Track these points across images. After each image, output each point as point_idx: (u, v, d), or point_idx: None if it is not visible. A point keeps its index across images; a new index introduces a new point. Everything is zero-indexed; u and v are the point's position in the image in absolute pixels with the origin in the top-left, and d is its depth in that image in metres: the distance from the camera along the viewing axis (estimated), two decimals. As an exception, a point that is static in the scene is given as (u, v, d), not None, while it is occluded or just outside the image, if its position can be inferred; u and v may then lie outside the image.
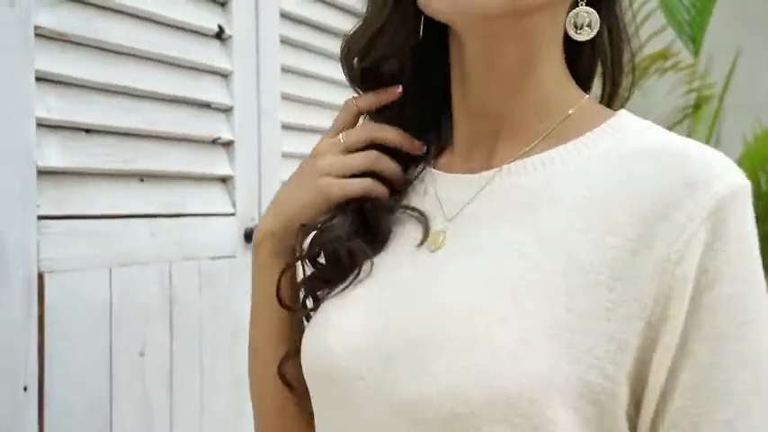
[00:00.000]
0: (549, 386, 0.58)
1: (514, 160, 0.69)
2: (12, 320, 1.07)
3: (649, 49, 2.44)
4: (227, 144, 1.48)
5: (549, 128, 0.69)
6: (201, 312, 1.40)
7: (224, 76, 1.48)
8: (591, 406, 0.59)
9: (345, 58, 0.75)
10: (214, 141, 1.45)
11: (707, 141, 2.40)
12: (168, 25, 1.35)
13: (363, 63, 0.73)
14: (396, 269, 0.70)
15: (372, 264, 0.72)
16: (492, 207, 0.68)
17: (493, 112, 0.71)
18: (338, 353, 0.67)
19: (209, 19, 1.44)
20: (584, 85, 0.73)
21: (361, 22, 0.73)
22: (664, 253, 0.60)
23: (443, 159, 0.76)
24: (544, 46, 0.69)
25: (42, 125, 1.12)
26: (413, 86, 0.75)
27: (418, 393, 0.62)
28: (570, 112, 0.69)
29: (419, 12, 0.68)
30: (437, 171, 0.75)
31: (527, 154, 0.69)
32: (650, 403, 0.61)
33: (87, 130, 1.19)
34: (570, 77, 0.71)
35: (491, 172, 0.70)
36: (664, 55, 2.26)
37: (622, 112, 0.70)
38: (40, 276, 1.11)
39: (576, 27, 0.70)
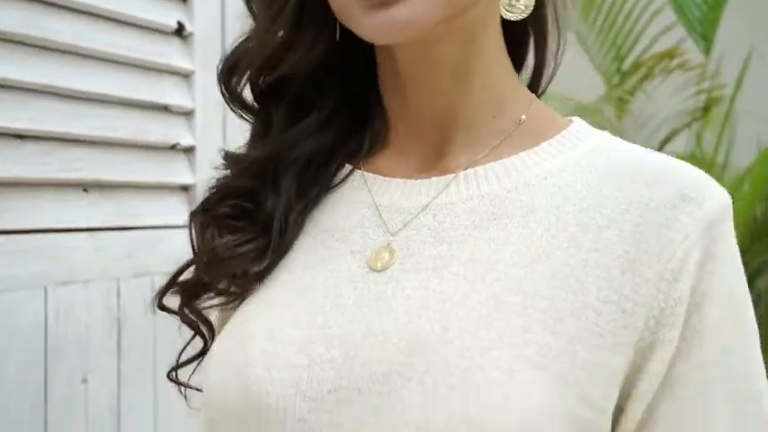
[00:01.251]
0: (541, 426, 0.52)
1: (472, 166, 0.62)
2: None
3: (657, 48, 2.32)
4: (188, 150, 1.38)
5: (505, 130, 0.63)
6: (155, 334, 1.29)
7: (185, 76, 1.38)
8: None
9: (238, 73, 0.66)
10: (173, 147, 1.35)
11: (717, 146, 2.28)
12: (121, 22, 1.25)
13: (268, 80, 0.65)
14: (332, 289, 0.61)
15: (294, 280, 0.63)
16: (452, 218, 0.61)
17: (437, 114, 0.64)
18: (268, 388, 0.58)
19: (167, 15, 1.34)
20: (517, 68, 0.68)
21: (256, 31, 0.64)
22: (657, 271, 0.56)
23: (377, 161, 0.67)
24: (485, 36, 0.63)
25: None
26: (331, 96, 0.67)
27: None
28: (523, 117, 0.64)
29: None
30: (371, 174, 0.66)
31: (483, 160, 0.62)
32: None
33: (21, 137, 1.09)
34: (512, 68, 0.66)
35: (445, 178, 0.62)
36: (671, 54, 2.14)
37: (575, 119, 0.65)
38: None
39: (508, 7, 0.63)
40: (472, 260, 0.58)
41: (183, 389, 0.70)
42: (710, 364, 0.56)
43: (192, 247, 0.68)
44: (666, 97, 2.23)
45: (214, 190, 0.69)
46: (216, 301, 0.67)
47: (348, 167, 0.67)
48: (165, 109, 1.34)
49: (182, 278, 0.69)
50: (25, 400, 1.09)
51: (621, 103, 2.20)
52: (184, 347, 0.70)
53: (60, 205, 1.15)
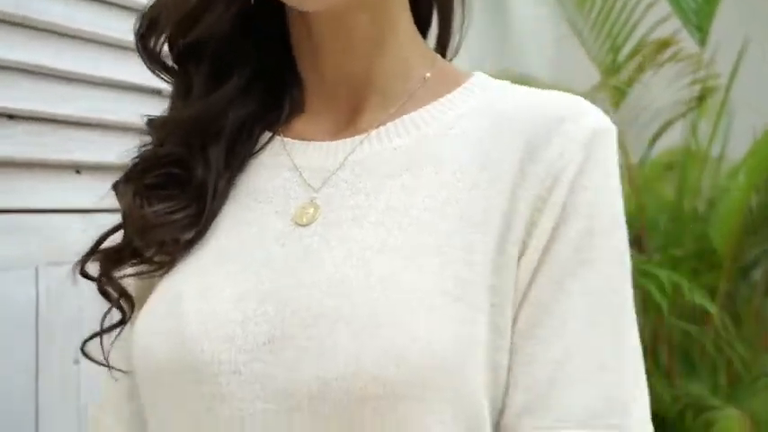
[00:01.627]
0: (462, 351, 0.57)
1: (380, 125, 0.66)
2: None
3: (652, 39, 2.32)
4: (181, 134, 1.38)
5: (412, 88, 0.67)
6: (148, 317, 1.29)
7: (178, 60, 1.38)
8: (497, 366, 0.59)
9: (155, 33, 0.67)
10: (166, 131, 1.35)
11: (712, 136, 2.28)
12: (114, 4, 1.25)
13: (186, 39, 0.66)
14: (260, 248, 0.63)
15: (220, 243, 0.65)
16: (367, 173, 0.65)
17: (352, 79, 0.67)
18: (202, 346, 0.60)
19: (160, -2, 1.34)
20: (422, 33, 0.72)
21: None
22: (537, 191, 0.61)
23: (295, 127, 0.70)
24: (395, 4, 0.66)
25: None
26: (249, 63, 0.69)
27: (318, 378, 0.56)
28: (428, 75, 0.68)
29: None
30: (289, 139, 0.69)
31: (392, 117, 0.66)
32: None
33: (11, 116, 1.09)
34: (418, 32, 0.70)
35: (359, 137, 0.66)
36: (667, 43, 2.13)
37: (477, 73, 0.69)
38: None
39: None
40: (388, 208, 0.62)
41: (105, 359, 0.70)
42: (568, 275, 0.60)
43: (123, 215, 0.68)
44: (662, 88, 2.23)
45: (139, 159, 0.70)
46: (141, 268, 0.67)
47: (268, 134, 0.70)
48: (158, 93, 1.34)
49: (105, 246, 0.69)
50: (17, 381, 1.08)
51: (617, 94, 2.20)
52: (104, 317, 0.69)
53: (53, 186, 1.15)
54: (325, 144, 0.67)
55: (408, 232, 0.61)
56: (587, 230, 0.60)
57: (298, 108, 0.70)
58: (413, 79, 0.67)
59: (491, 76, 0.69)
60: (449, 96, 0.67)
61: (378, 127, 0.66)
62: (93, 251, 0.69)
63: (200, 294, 0.62)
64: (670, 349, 2.21)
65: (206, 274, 0.64)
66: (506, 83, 0.68)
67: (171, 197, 0.67)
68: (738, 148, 2.33)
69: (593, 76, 2.35)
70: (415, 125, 0.66)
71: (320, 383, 0.56)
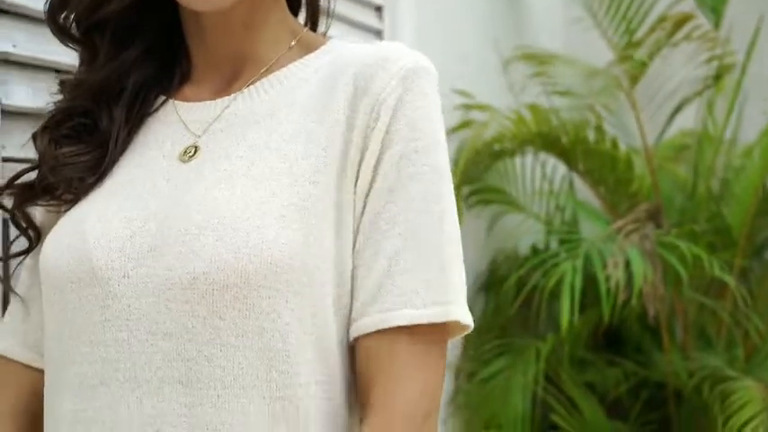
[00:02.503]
0: (304, 253, 0.72)
1: (250, 84, 0.80)
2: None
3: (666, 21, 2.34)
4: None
5: (277, 56, 0.81)
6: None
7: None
8: (341, 266, 0.74)
9: (66, 12, 0.81)
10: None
11: (728, 114, 2.31)
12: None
13: (93, 17, 0.80)
14: (149, 182, 0.78)
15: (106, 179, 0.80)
16: (239, 121, 0.79)
17: (231, 53, 0.82)
18: (98, 256, 0.74)
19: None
20: (294, 11, 0.87)
21: None
22: (365, 121, 0.75)
23: (184, 92, 0.84)
24: None
25: (8, 61, 1.05)
26: (146, 37, 0.83)
27: (189, 273, 0.71)
28: (293, 43, 0.83)
29: None
30: (179, 102, 0.83)
31: (259, 78, 0.81)
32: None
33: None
34: (289, 12, 0.85)
35: (233, 95, 0.81)
36: (684, 19, 2.16)
37: (333, 39, 0.84)
38: (5, 222, 1.04)
39: None
40: (252, 145, 0.77)
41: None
42: (395, 188, 0.74)
43: (39, 157, 0.83)
44: (677, 66, 2.26)
45: (55, 112, 0.84)
46: (50, 202, 0.81)
47: (162, 98, 0.84)
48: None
49: (20, 182, 0.83)
50: None
51: (633, 73, 2.23)
52: (11, 243, 0.87)
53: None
54: (208, 102, 0.81)
55: (266, 161, 0.75)
56: (410, 150, 0.74)
57: (186, 76, 0.85)
58: (279, 48, 0.82)
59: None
60: (307, 57, 0.81)
61: (249, 86, 0.80)
62: (9, 185, 0.83)
63: (97, 218, 0.77)
64: (686, 323, 2.24)
65: (103, 204, 0.78)
66: (353, 43, 0.82)
67: (80, 143, 0.82)
68: (753, 128, 2.35)
69: (606, 55, 2.38)
70: (278, 81, 0.80)
71: (190, 277, 0.71)
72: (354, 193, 0.74)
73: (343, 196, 0.74)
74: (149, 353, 0.72)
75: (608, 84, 2.21)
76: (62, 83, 0.86)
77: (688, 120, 2.42)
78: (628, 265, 1.82)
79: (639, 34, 2.31)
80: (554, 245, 2.39)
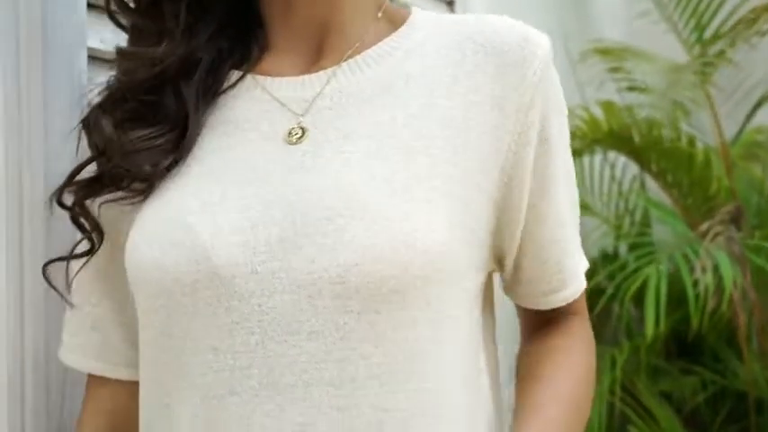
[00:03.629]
0: (452, 239, 0.68)
1: (348, 58, 0.74)
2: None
3: (740, 15, 2.25)
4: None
5: (367, 29, 0.76)
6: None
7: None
8: (474, 251, 0.71)
9: None
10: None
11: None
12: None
13: None
14: (252, 166, 0.70)
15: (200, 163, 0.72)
16: (346, 98, 0.72)
17: (315, 23, 0.75)
18: (217, 252, 0.66)
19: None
20: None
21: None
22: (517, 103, 0.71)
23: (263, 65, 0.77)
24: None
25: (95, 58, 1.00)
26: (218, 8, 0.76)
27: (339, 266, 0.64)
28: (379, 15, 0.77)
29: None
30: (260, 76, 0.76)
31: (357, 51, 0.75)
32: (514, 231, 0.74)
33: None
34: None
35: (331, 70, 0.74)
36: (764, 10, 2.07)
37: (414, 8, 0.79)
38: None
39: None
40: (374, 123, 0.70)
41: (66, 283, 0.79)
42: (549, 176, 0.74)
43: (95, 146, 0.74)
44: (759, 60, 2.16)
45: (110, 91, 0.75)
46: (118, 195, 0.73)
47: (237, 73, 0.76)
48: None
49: (80, 177, 0.75)
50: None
51: (707, 70, 2.14)
52: (75, 246, 0.78)
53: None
54: (300, 78, 0.74)
55: (397, 140, 0.70)
56: (557, 136, 0.75)
57: (263, 49, 0.78)
58: (366, 20, 0.76)
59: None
60: (402, 29, 0.76)
61: (347, 60, 0.74)
62: (69, 182, 0.75)
63: (202, 210, 0.68)
64: (764, 331, 2.15)
65: (201, 192, 0.70)
66: (439, 14, 0.79)
67: (148, 125, 0.73)
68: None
69: (674, 50, 2.28)
70: (378, 55, 0.75)
71: (341, 270, 0.64)
72: (501, 175, 0.72)
73: (484, 178, 0.71)
74: (291, 355, 0.65)
75: (684, 79, 2.12)
76: (120, 52, 0.77)
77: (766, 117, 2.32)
78: (714, 270, 1.73)
79: (714, 27, 2.22)
80: (623, 249, 2.31)
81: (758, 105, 2.23)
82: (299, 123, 0.72)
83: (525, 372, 0.78)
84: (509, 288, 0.80)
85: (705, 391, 2.15)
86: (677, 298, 2.13)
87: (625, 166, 2.37)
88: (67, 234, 0.92)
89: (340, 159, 0.69)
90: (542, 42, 0.74)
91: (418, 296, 0.66)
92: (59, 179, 0.94)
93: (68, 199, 0.77)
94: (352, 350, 0.65)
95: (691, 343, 2.29)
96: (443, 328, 0.69)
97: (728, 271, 1.69)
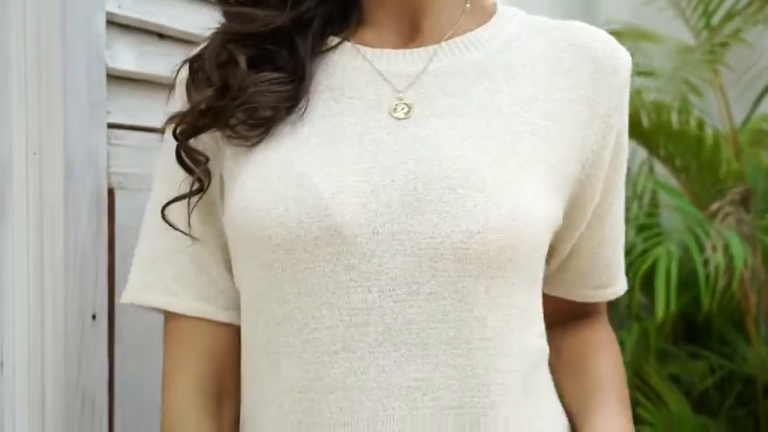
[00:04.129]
0: (551, 215, 0.74)
1: (448, 39, 0.78)
2: (79, 241, 0.95)
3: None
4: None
5: (458, 12, 0.79)
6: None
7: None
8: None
9: None
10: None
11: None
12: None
13: None
14: (366, 134, 0.72)
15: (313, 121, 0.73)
16: (450, 78, 0.75)
17: (411, 2, 0.77)
18: (340, 211, 0.68)
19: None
20: None
21: None
22: (606, 108, 0.78)
23: (361, 35, 0.79)
24: None
25: (113, 23, 1.00)
26: None
27: (462, 232, 0.68)
28: (467, 6, 0.80)
29: None
30: (360, 45, 0.78)
31: (454, 34, 0.78)
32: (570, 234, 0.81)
33: (160, 35, 1.07)
34: None
35: (431, 48, 0.77)
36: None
37: (498, 4, 0.83)
38: (111, 192, 0.99)
39: None
40: (480, 105, 0.74)
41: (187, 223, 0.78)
42: (615, 180, 0.81)
43: (220, 79, 0.74)
44: (766, 45, 2.16)
45: (231, 32, 0.75)
46: (229, 133, 0.74)
47: (336, 39, 0.78)
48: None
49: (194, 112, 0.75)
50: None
51: (717, 50, 2.13)
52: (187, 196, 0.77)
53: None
54: (399, 52, 0.77)
55: (504, 123, 0.74)
56: (624, 143, 0.82)
57: (361, 20, 0.79)
58: (456, 8, 0.79)
59: None
60: (494, 20, 0.80)
61: (446, 40, 0.77)
62: (190, 112, 0.75)
63: (322, 170, 0.70)
64: (773, 315, 2.14)
65: (320, 150, 0.72)
66: (520, 10, 0.82)
67: (273, 71, 0.74)
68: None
69: (679, 32, 2.28)
70: (477, 41, 0.78)
71: (463, 237, 0.68)
72: (580, 171, 0.77)
73: (568, 170, 0.76)
74: (409, 315, 0.68)
75: (693, 59, 2.11)
76: (235, 13, 0.77)
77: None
78: (725, 250, 1.73)
79: (724, 9, 2.21)
80: (630, 233, 2.31)
81: (766, 90, 2.23)
82: (401, 99, 0.74)
83: (579, 359, 0.86)
84: (553, 276, 0.85)
85: (713, 375, 2.15)
86: (686, 281, 2.13)
87: (634, 151, 2.36)
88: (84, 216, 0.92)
89: (453, 135, 0.72)
90: (628, 58, 0.80)
91: (527, 266, 0.72)
92: (77, 139, 0.95)
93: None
94: (469, 312, 0.69)
95: (699, 327, 2.29)
96: (538, 296, 0.77)
97: (739, 250, 1.68)
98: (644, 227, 2.19)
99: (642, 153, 2.34)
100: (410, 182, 0.69)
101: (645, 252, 1.90)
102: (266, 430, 0.73)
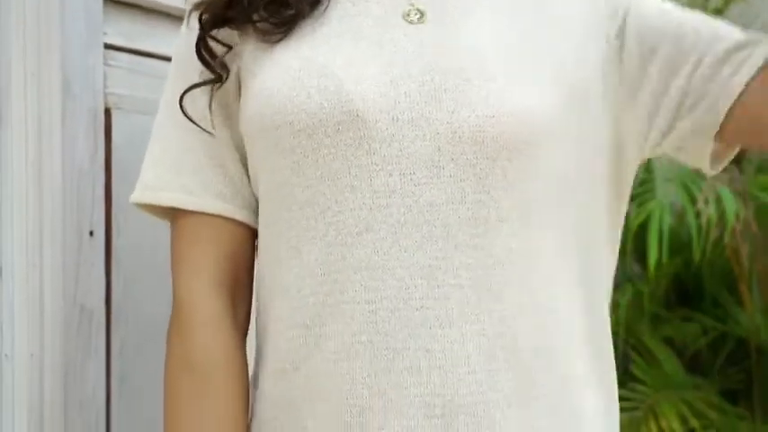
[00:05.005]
0: (560, 104, 0.74)
1: None
2: (77, 159, 0.96)
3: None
4: None
5: None
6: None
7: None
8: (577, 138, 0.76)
9: None
10: None
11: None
12: None
13: None
14: (383, 33, 0.74)
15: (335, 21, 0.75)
16: None
17: None
18: (362, 97, 0.71)
19: None
20: None
21: None
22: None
23: None
24: None
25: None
26: None
27: (479, 117, 0.70)
28: None
29: None
30: None
31: None
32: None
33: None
34: None
35: None
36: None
37: None
38: (108, 112, 1.00)
39: None
40: (493, 9, 0.76)
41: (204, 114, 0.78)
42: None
43: None
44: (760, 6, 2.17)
45: None
46: (250, 27, 0.75)
47: None
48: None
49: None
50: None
51: (715, 12, 2.14)
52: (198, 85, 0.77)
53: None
54: None
55: (515, 21, 0.76)
56: None
57: None
58: None
59: None
60: None
61: None
62: (217, 1, 0.75)
63: (344, 61, 0.72)
64: (764, 277, 2.16)
65: (341, 47, 0.74)
66: None
67: None
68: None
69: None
70: None
71: (480, 121, 0.70)
72: (608, 45, 0.77)
73: (588, 55, 0.77)
74: (429, 197, 0.70)
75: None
76: None
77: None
78: (717, 203, 1.75)
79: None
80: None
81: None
82: (412, 4, 0.76)
83: None
84: (682, 116, 0.78)
85: (706, 336, 2.17)
86: (678, 246, 2.15)
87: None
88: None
89: (466, 32, 0.74)
90: None
91: (543, 151, 0.72)
92: (75, 58, 0.96)
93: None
94: (486, 193, 0.71)
95: (692, 293, 2.31)
96: (562, 188, 0.75)
97: (731, 203, 1.70)
98: (638, 196, 2.21)
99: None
100: (427, 74, 0.72)
101: (639, 207, 1.91)
102: (284, 317, 0.74)
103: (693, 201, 1.79)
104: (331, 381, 0.72)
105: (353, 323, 0.71)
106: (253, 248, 0.82)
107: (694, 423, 1.89)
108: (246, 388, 0.79)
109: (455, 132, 0.70)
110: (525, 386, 0.72)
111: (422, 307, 0.70)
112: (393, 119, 0.70)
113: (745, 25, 0.81)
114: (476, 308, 0.71)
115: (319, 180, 0.72)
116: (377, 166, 0.70)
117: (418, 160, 0.70)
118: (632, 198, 2.23)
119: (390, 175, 0.70)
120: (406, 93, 0.71)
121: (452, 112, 0.70)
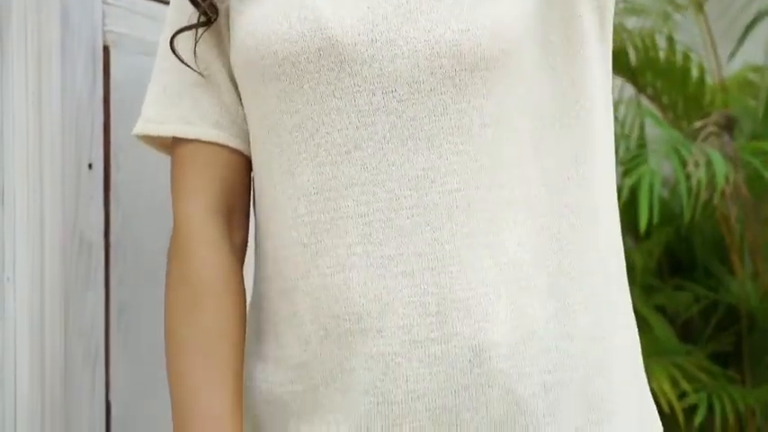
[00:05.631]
0: (530, 25, 0.76)
1: None
2: (76, 91, 0.98)
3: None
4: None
5: None
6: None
7: None
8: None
9: None
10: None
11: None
12: None
13: None
14: None
15: None
16: None
17: None
18: (339, 23, 0.74)
19: None
20: None
21: None
22: None
23: None
24: None
25: None
26: None
27: (454, 32, 0.73)
28: None
29: None
30: None
31: None
32: None
33: None
34: None
35: None
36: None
37: None
38: (106, 50, 1.02)
39: None
40: None
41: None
42: None
43: None
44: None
45: None
46: None
47: None
48: None
49: None
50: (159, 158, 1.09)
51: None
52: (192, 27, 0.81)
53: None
54: None
55: None
56: None
57: None
58: None
59: None
60: None
61: None
62: None
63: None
64: (756, 245, 2.18)
65: None
66: None
67: None
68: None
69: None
70: None
71: (455, 36, 0.73)
72: None
73: None
74: (412, 112, 0.74)
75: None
76: None
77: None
78: (707, 166, 1.77)
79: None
80: (617, 175, 2.33)
81: (754, 22, 2.26)
82: None
83: None
84: None
85: (698, 304, 2.19)
86: (670, 214, 2.16)
87: (622, 88, 2.40)
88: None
89: None
90: None
91: (520, 58, 0.75)
92: (76, 42, 0.98)
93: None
94: (467, 103, 0.74)
95: (684, 263, 2.33)
96: (538, 91, 0.77)
97: (721, 166, 1.72)
98: (630, 170, 2.23)
99: (630, 90, 2.38)
100: (405, 3, 0.75)
101: (629, 172, 1.93)
102: (282, 237, 0.78)
103: (684, 164, 1.80)
104: (329, 293, 0.75)
105: (348, 236, 0.74)
106: (248, 177, 0.85)
107: (685, 386, 1.90)
108: (242, 306, 0.82)
109: (432, 48, 0.73)
110: (512, 279, 0.75)
111: (413, 215, 0.74)
112: (371, 40, 0.74)
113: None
114: (464, 210, 0.74)
115: (306, 104, 0.75)
116: (359, 86, 0.74)
117: (399, 78, 0.73)
118: (624, 172, 2.29)
119: (373, 94, 0.74)
120: (383, 15, 0.74)
121: (428, 31, 0.73)
